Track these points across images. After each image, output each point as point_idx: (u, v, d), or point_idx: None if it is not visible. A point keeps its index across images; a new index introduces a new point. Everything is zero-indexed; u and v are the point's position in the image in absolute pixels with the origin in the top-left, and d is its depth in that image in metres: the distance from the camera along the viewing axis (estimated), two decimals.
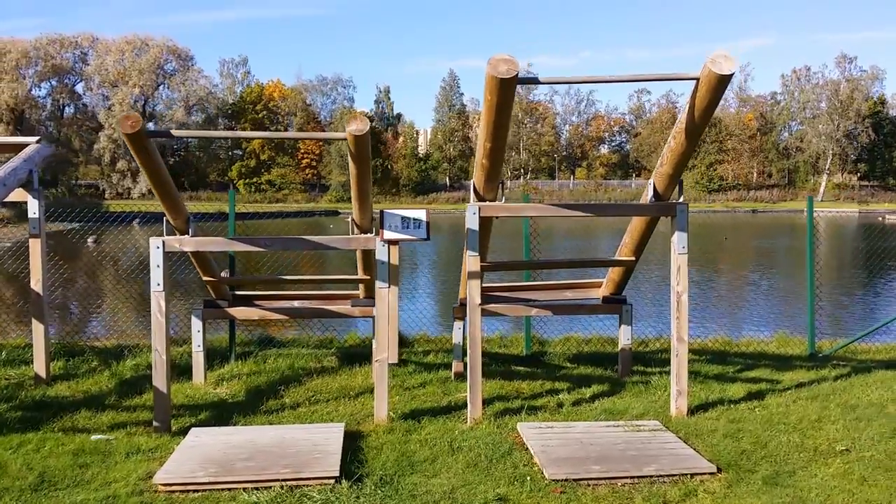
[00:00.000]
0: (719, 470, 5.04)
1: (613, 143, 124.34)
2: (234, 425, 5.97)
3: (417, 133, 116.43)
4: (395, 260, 5.97)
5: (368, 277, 7.04)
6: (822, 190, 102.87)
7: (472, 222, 5.95)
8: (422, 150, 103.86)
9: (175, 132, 6.05)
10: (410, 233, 5.97)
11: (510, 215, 6.11)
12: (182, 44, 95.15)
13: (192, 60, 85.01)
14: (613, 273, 7.44)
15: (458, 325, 7.49)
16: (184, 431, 5.66)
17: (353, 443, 5.49)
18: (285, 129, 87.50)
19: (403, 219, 5.98)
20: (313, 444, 5.27)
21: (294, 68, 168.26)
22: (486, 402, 6.56)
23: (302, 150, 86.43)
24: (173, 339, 8.69)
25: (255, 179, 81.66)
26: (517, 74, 4.98)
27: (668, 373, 7.56)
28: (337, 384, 7.19)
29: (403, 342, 9.11)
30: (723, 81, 5.12)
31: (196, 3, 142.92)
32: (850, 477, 4.94)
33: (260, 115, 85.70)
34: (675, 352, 6.28)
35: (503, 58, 4.98)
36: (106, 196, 76.42)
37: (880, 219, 72.71)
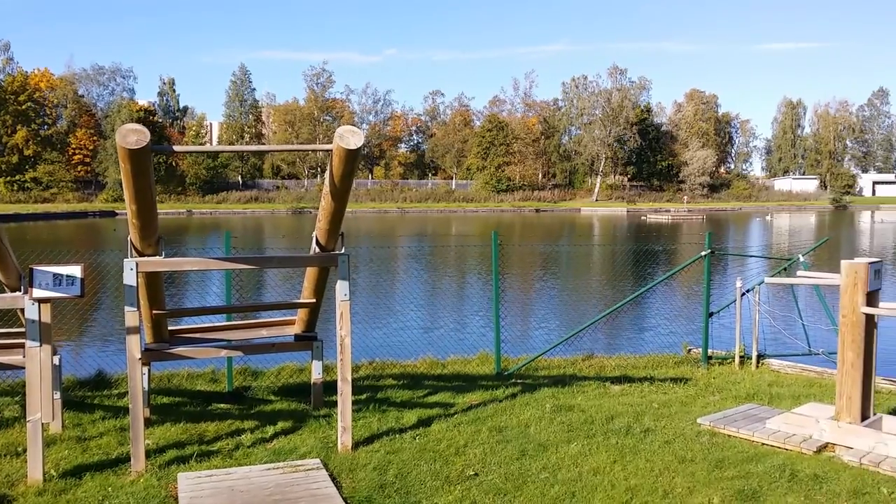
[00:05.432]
0: None
1: (411, 143, 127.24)
2: None
3: (210, 127, 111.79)
4: (46, 318, 5.89)
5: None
6: (596, 190, 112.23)
7: (129, 278, 6.01)
8: (213, 145, 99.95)
9: None
10: (63, 290, 5.92)
11: (169, 269, 6.25)
12: None
13: None
14: (301, 313, 7.83)
15: (144, 369, 7.49)
16: None
17: None
18: (54, 123, 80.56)
19: (55, 276, 5.91)
20: None
21: (65, 56, 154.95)
22: (163, 449, 6.65)
23: (74, 146, 79.87)
24: None
25: (18, 177, 74.19)
26: (148, 144, 5.14)
27: (359, 402, 8.13)
28: (4, 440, 6.92)
29: (104, 384, 8.94)
30: (351, 154, 5.61)
31: None
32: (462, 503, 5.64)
33: (24, 107, 77.98)
34: (339, 391, 6.76)
35: (133, 128, 5.11)
36: None
37: (643, 217, 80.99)
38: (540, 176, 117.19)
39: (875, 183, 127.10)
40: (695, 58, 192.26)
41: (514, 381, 9.45)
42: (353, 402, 7.81)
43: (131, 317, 6.05)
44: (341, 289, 6.64)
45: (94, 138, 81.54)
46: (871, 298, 6.79)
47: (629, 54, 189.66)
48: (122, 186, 5.49)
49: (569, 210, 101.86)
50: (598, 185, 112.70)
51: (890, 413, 7.60)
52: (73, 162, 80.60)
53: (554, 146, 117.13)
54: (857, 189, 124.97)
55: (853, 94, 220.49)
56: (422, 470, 6.21)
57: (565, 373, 10.09)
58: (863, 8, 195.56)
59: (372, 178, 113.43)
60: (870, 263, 6.74)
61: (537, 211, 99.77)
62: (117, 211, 69.84)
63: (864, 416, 6.79)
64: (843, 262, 6.85)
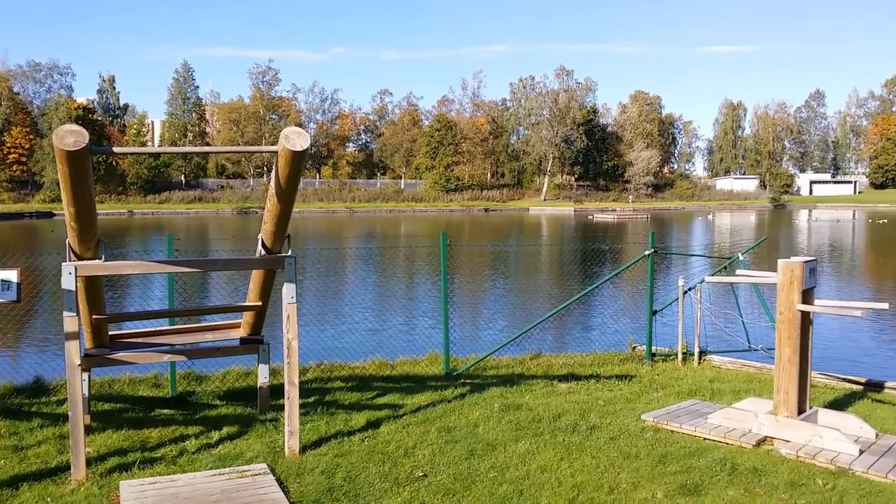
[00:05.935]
0: None
1: (359, 143, 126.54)
2: None
3: (152, 125, 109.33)
4: None
5: None
6: (544, 189, 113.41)
7: (67, 282, 5.84)
8: (155, 144, 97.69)
9: None
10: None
11: (110, 273, 6.10)
12: None
13: None
14: (247, 316, 7.72)
15: (84, 375, 7.29)
16: None
17: None
18: None
19: None
20: None
21: None
22: (104, 457, 6.49)
23: (8, 145, 77.15)
24: None
25: None
26: (87, 146, 5.00)
27: (307, 405, 8.06)
28: None
29: (42, 391, 8.67)
30: (297, 155, 5.56)
31: None
32: None
33: None
34: (287, 395, 6.69)
35: (71, 129, 4.98)
36: None
37: (590, 217, 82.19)
38: (488, 175, 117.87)
39: (812, 182, 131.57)
40: (639, 59, 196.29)
41: (463, 381, 9.49)
42: (301, 406, 7.76)
43: (70, 322, 5.89)
44: (288, 291, 6.57)
45: (31, 137, 78.96)
46: (807, 296, 7.03)
47: (575, 55, 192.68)
48: (59, 187, 5.33)
49: (517, 209, 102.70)
50: (545, 184, 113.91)
51: (825, 407, 7.88)
52: (8, 161, 77.84)
53: (502, 146, 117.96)
54: (795, 188, 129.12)
55: (791, 96, 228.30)
56: (370, 472, 6.19)
57: (513, 372, 10.17)
58: (800, 12, 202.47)
59: (319, 178, 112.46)
60: (805, 262, 6.97)
61: (486, 210, 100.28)
62: (55, 212, 67.67)
63: (801, 410, 7.03)
64: (780, 262, 7.07)
